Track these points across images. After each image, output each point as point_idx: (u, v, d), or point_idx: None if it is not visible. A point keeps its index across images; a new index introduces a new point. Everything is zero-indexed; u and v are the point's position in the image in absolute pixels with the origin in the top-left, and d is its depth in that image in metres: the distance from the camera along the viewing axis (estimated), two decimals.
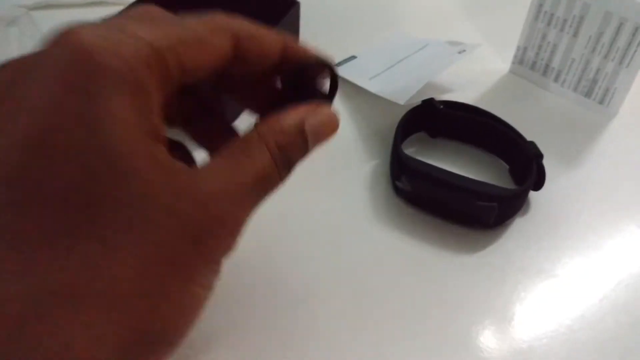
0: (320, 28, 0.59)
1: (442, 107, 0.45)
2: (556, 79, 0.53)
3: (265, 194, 0.24)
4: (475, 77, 0.54)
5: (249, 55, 0.25)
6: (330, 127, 0.26)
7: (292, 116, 0.25)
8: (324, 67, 0.28)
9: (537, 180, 0.41)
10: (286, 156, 0.24)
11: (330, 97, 0.28)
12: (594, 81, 0.50)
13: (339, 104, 0.50)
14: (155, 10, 0.23)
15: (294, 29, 0.56)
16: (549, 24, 0.51)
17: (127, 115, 0.20)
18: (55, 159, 0.19)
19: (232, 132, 0.31)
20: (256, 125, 0.25)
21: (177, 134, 0.29)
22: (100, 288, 0.19)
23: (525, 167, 0.42)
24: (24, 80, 0.20)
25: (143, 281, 0.19)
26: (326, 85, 0.28)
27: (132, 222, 0.19)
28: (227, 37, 0.24)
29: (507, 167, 0.45)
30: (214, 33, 0.23)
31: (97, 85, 0.19)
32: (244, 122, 0.37)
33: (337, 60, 0.54)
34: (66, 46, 0.20)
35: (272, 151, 0.23)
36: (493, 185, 0.40)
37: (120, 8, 0.43)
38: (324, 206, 0.41)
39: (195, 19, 0.23)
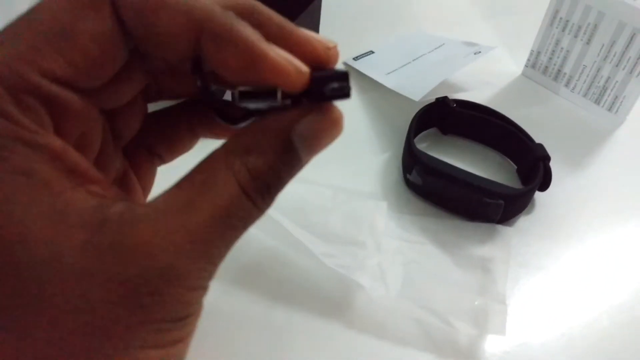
0: (339, 22, 0.61)
1: (455, 105, 0.47)
2: (567, 84, 0.54)
3: (236, 232, 0.19)
4: (488, 78, 0.55)
5: (209, 59, 0.19)
6: (333, 131, 0.20)
7: (272, 125, 0.20)
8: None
9: (543, 181, 0.43)
10: (265, 183, 0.19)
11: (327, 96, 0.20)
12: (604, 88, 0.51)
13: (355, 98, 0.52)
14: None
15: (315, 23, 0.57)
16: (563, 29, 0.52)
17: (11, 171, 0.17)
18: None
19: None
20: (225, 143, 0.20)
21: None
22: None
23: (533, 168, 0.43)
24: None
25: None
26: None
27: (36, 298, 0.17)
28: (102, 12, 0.19)
29: (515, 167, 0.46)
30: (83, 13, 0.18)
31: None
32: None
33: (355, 54, 0.56)
34: None
35: (240, 179, 0.19)
36: (500, 184, 0.41)
37: None
38: (337, 196, 0.43)
39: None
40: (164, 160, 0.27)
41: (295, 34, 0.20)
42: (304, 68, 0.19)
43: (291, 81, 0.19)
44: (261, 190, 0.19)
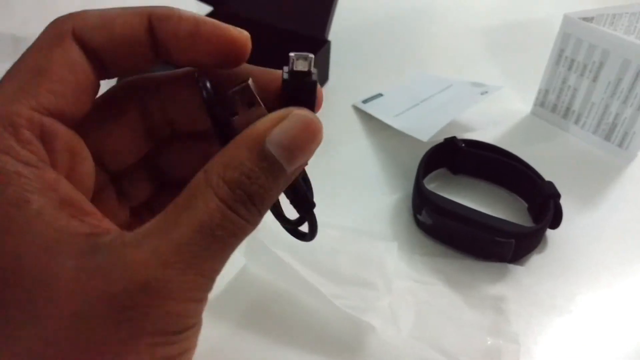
0: (349, 66, 0.62)
1: (463, 145, 0.47)
2: (576, 122, 0.54)
3: (224, 244, 0.20)
4: (497, 118, 0.56)
5: (163, 35, 0.22)
6: (308, 136, 0.21)
7: (243, 139, 0.20)
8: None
9: (554, 219, 0.43)
10: (245, 192, 0.20)
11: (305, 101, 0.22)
12: (613, 125, 0.52)
13: (364, 140, 0.53)
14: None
15: (324, 67, 0.59)
16: (569, 68, 0.53)
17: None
18: None
19: None
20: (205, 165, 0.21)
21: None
22: None
23: (543, 206, 0.43)
24: None
25: None
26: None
27: (30, 318, 0.18)
28: (65, 44, 0.21)
29: (526, 205, 0.46)
30: (51, 49, 0.21)
31: None
32: None
33: (364, 97, 0.57)
34: None
35: (219, 192, 0.19)
36: (511, 222, 0.41)
37: None
38: (347, 237, 0.43)
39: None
40: None
41: (210, 23, 0.23)
42: (243, 31, 0.22)
43: (234, 39, 0.22)
44: (242, 200, 0.20)
